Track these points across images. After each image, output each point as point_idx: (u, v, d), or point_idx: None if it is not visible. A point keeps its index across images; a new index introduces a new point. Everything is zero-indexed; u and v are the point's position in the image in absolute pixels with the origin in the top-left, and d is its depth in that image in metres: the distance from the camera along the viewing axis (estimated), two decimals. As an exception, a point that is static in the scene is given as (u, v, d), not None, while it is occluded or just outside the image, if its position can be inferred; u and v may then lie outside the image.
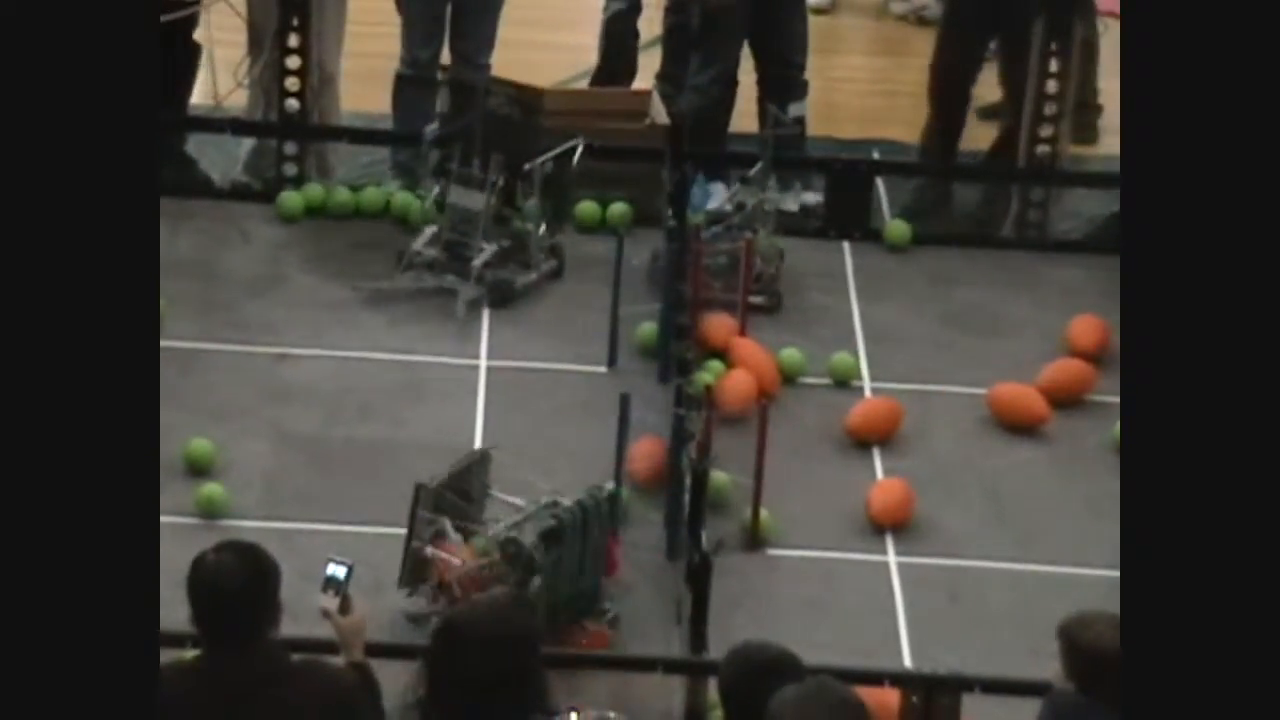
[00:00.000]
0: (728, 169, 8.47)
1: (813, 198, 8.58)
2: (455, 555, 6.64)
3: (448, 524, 6.70)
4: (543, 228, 8.24)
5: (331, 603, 5.39)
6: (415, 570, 6.69)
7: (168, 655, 5.26)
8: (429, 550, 6.65)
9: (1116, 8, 8.88)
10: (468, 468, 6.83)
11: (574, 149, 8.16)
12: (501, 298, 8.15)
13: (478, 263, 8.10)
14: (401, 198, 8.64)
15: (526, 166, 8.11)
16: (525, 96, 8.23)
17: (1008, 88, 9.03)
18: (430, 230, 8.19)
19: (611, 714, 4.51)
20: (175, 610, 5.36)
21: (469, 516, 6.77)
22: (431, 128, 8.28)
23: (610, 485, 6.82)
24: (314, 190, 8.69)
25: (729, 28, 8.85)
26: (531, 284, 8.23)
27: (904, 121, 9.55)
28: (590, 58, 9.54)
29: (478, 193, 8.12)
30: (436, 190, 8.23)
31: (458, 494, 6.77)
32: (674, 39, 9.19)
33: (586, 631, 6.70)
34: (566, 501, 6.69)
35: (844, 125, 9.76)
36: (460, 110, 8.23)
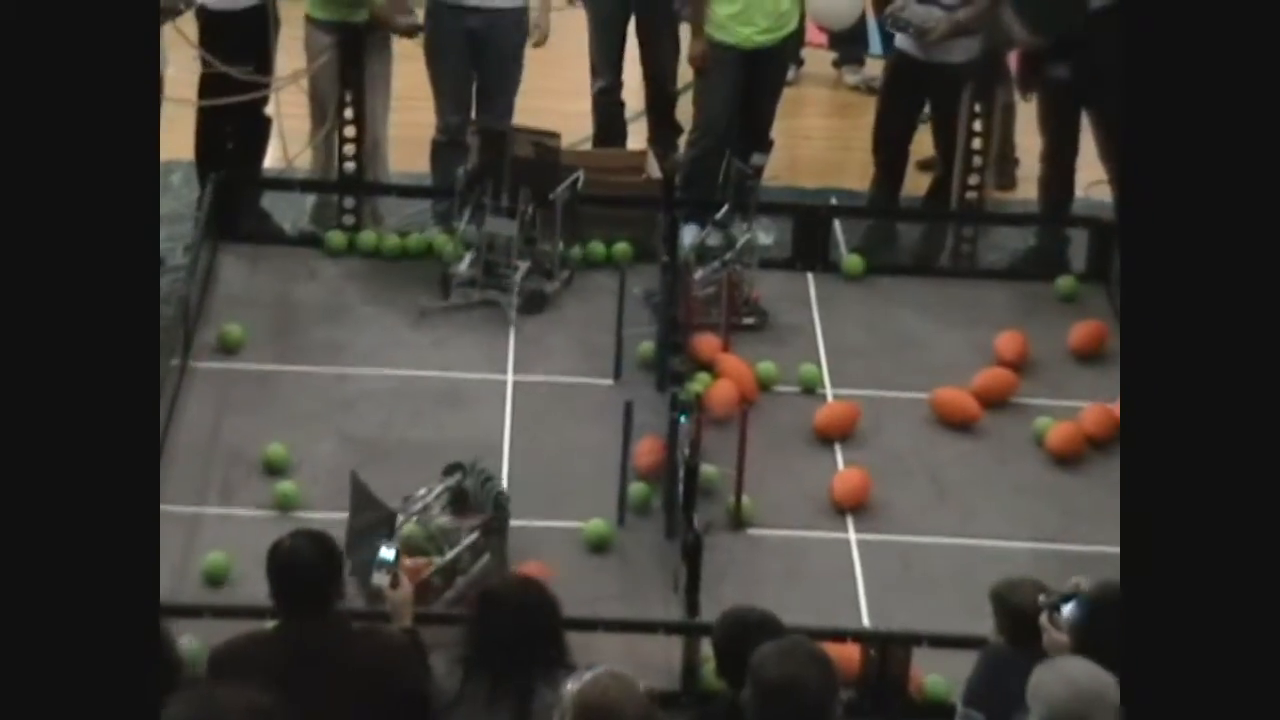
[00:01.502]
0: (708, 213, 8.43)
1: (764, 236, 8.56)
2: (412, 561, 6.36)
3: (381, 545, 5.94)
4: (560, 244, 8.23)
5: (384, 580, 5.37)
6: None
7: (250, 625, 5.22)
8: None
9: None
10: (359, 496, 6.56)
11: (578, 179, 8.17)
12: (536, 304, 8.15)
13: (518, 276, 8.09)
14: (441, 240, 8.60)
15: (550, 196, 8.09)
16: (543, 140, 8.21)
17: (938, 144, 9.01)
18: (470, 255, 8.16)
19: (604, 667, 4.43)
20: (258, 586, 5.32)
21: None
22: (464, 168, 8.25)
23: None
24: (368, 236, 8.65)
25: (711, 93, 8.82)
26: (556, 291, 8.24)
27: (856, 173, 9.53)
28: (586, 124, 9.51)
29: (509, 220, 8.10)
30: (468, 222, 8.18)
31: (371, 521, 6.49)
32: (655, 110, 9.27)
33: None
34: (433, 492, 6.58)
35: (806, 176, 9.74)
36: (489, 154, 8.21)
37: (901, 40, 8.82)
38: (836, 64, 10.74)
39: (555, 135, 8.27)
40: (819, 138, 10.28)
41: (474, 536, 6.51)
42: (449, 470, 6.70)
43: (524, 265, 8.16)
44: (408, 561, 6.16)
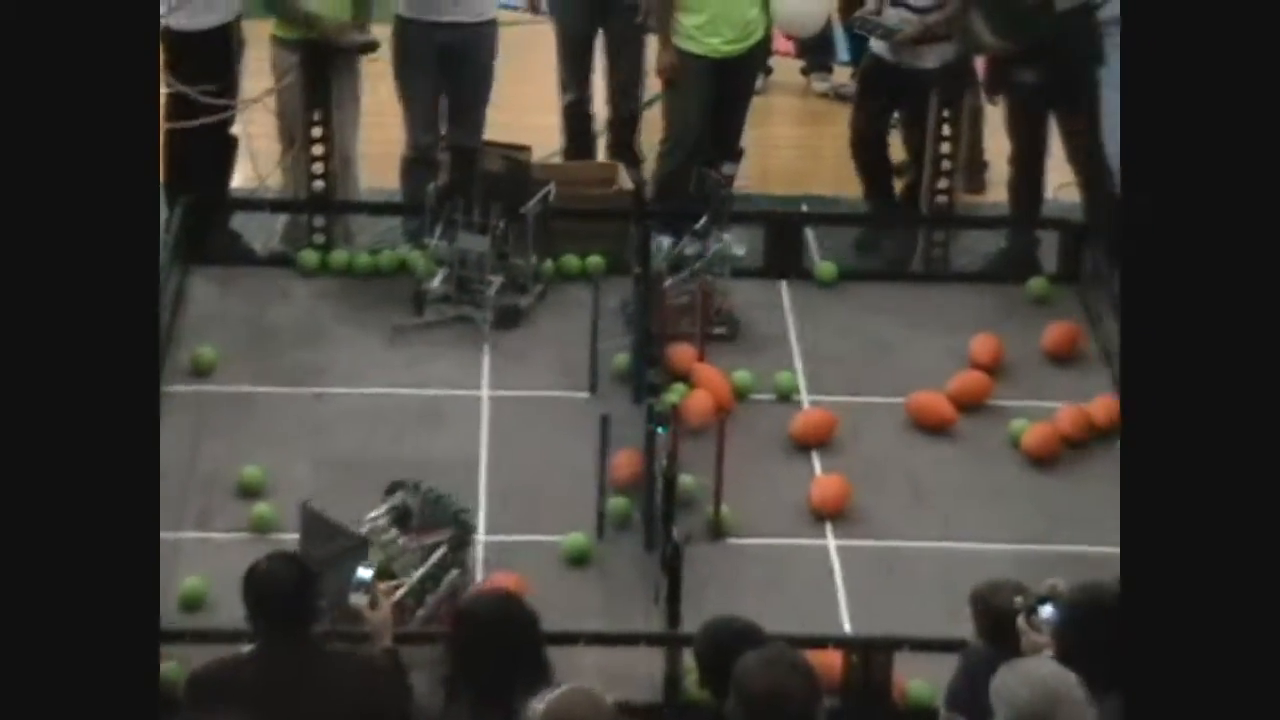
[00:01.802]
0: (681, 224, 8.42)
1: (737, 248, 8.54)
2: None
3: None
4: (533, 258, 8.22)
5: (363, 600, 5.35)
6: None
7: (228, 649, 5.20)
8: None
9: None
10: (313, 526, 6.46)
11: (549, 193, 8.16)
12: (510, 319, 8.13)
13: (492, 291, 8.07)
14: (413, 257, 8.59)
15: (521, 210, 8.08)
16: (513, 155, 8.20)
17: (909, 149, 9.03)
18: (443, 272, 8.15)
19: (569, 684, 4.43)
20: (236, 609, 5.30)
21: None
22: (435, 185, 8.24)
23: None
24: (340, 255, 8.63)
25: (681, 104, 8.82)
26: (530, 305, 8.21)
27: (826, 180, 9.54)
28: (556, 138, 9.52)
29: (481, 236, 8.09)
30: (439, 238, 8.15)
31: (329, 550, 6.36)
32: (615, 127, 9.32)
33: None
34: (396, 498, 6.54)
35: (776, 183, 9.75)
36: (460, 170, 8.20)
37: (876, 44, 8.83)
38: (805, 72, 10.75)
39: (526, 149, 8.27)
40: (788, 146, 10.29)
41: (440, 553, 6.47)
42: (390, 489, 6.63)
43: (497, 280, 8.14)
44: (381, 585, 6.11)
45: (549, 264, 8.41)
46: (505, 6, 9.09)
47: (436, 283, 8.16)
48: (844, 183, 9.33)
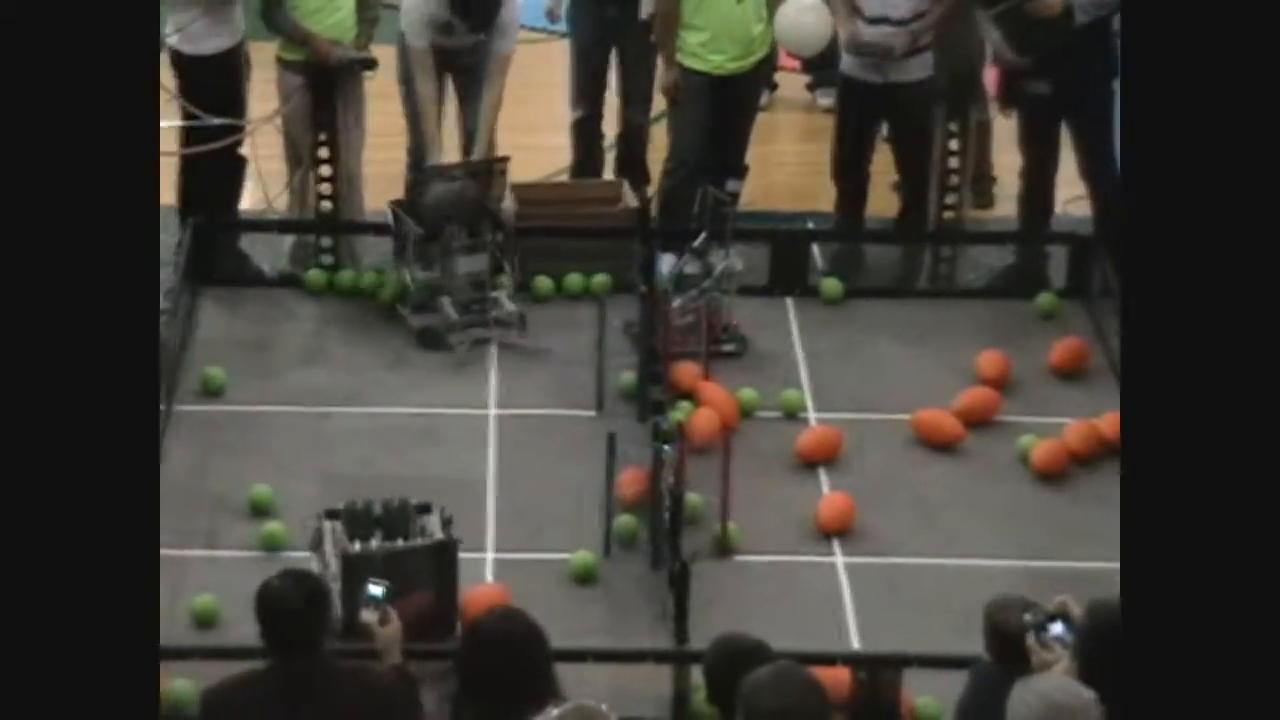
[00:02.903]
0: (684, 242, 8.45)
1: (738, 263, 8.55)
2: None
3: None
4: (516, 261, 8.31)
5: (372, 616, 5.37)
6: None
7: (240, 666, 5.23)
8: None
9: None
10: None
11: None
12: (520, 323, 8.21)
13: (506, 304, 8.17)
14: (420, 278, 8.65)
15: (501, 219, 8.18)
16: (477, 166, 8.25)
17: (900, 166, 9.03)
18: (445, 299, 8.16)
19: (573, 702, 4.44)
20: (244, 628, 5.33)
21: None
22: (411, 230, 8.22)
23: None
24: (346, 275, 8.67)
25: (684, 121, 8.86)
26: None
27: (832, 197, 9.55)
28: (565, 157, 9.55)
29: (478, 255, 8.13)
30: (426, 270, 8.18)
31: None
32: (624, 143, 9.34)
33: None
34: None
35: (781, 200, 9.76)
36: (422, 196, 8.21)
37: (847, 64, 8.82)
38: (810, 87, 10.78)
39: (489, 161, 8.30)
40: (793, 162, 10.32)
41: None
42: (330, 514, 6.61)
43: (502, 293, 8.19)
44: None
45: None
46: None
47: (449, 312, 8.14)
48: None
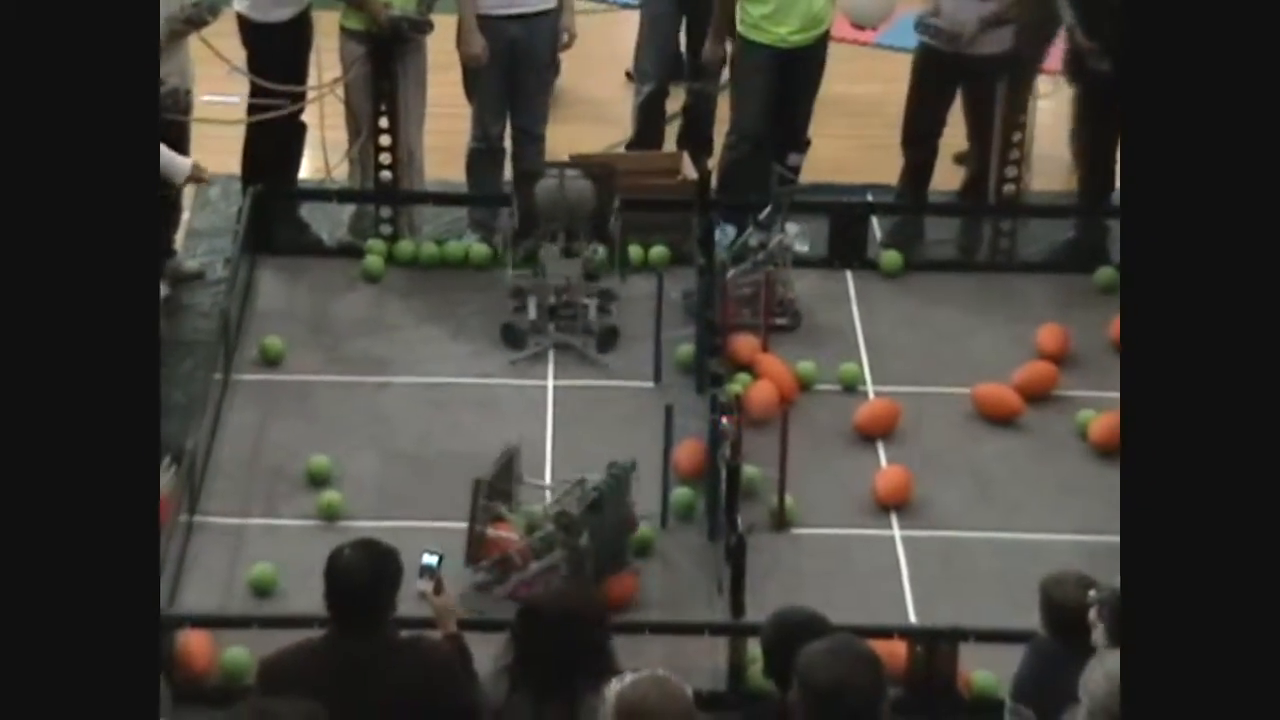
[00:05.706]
0: (745, 214, 8.43)
1: (794, 229, 8.50)
2: (510, 533, 6.73)
3: (502, 508, 6.77)
4: (618, 273, 8.14)
5: (428, 586, 5.39)
6: (476, 549, 6.74)
7: (298, 635, 5.25)
8: (489, 531, 6.72)
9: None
10: (506, 464, 6.90)
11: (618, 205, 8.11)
12: (611, 340, 8.07)
13: (592, 316, 8.03)
14: (478, 249, 8.65)
15: (609, 228, 8.04)
16: (597, 169, 8.13)
17: (972, 138, 9.00)
18: (533, 300, 8.08)
19: (647, 670, 4.43)
20: (301, 598, 5.35)
21: (512, 500, 6.91)
22: (511, 217, 8.12)
23: (626, 461, 6.76)
24: (405, 246, 8.69)
25: (747, 94, 8.83)
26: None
27: (891, 170, 9.50)
28: (618, 132, 9.51)
29: (571, 260, 8.01)
30: (517, 266, 8.07)
31: (502, 485, 6.86)
32: (691, 112, 9.27)
33: (621, 579, 6.70)
34: (593, 478, 6.66)
35: (841, 173, 9.71)
36: (530, 197, 8.08)
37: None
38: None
39: (609, 162, 8.20)
40: (852, 136, 10.26)
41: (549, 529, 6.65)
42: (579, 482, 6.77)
43: (592, 303, 8.07)
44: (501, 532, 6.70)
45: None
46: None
47: (531, 314, 8.06)
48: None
